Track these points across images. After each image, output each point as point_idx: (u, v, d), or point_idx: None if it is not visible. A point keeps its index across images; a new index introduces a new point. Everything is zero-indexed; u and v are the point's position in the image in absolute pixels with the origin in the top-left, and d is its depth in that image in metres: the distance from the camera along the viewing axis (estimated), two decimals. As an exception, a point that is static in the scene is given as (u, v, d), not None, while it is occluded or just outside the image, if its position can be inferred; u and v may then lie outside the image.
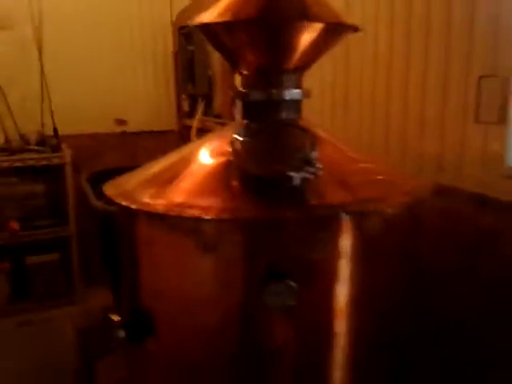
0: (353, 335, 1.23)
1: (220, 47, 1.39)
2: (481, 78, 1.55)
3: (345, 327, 1.21)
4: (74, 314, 3.45)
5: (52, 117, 3.58)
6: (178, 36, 4.09)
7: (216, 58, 3.59)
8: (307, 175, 1.16)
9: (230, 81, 3.43)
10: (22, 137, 3.61)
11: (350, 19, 1.33)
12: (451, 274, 1.68)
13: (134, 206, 1.25)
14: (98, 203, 2.32)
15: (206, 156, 1.33)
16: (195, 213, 1.14)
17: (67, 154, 3.55)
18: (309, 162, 1.17)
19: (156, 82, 4.22)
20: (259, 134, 1.30)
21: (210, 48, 3.68)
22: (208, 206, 1.14)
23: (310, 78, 1.45)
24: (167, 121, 4.32)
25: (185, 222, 1.17)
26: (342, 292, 1.20)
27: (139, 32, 4.04)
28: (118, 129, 4.16)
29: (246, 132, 1.30)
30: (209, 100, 3.82)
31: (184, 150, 1.44)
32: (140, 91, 4.17)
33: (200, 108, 3.78)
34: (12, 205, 3.58)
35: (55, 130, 3.60)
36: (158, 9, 4.05)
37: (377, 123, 2.01)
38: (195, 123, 3.70)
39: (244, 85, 1.39)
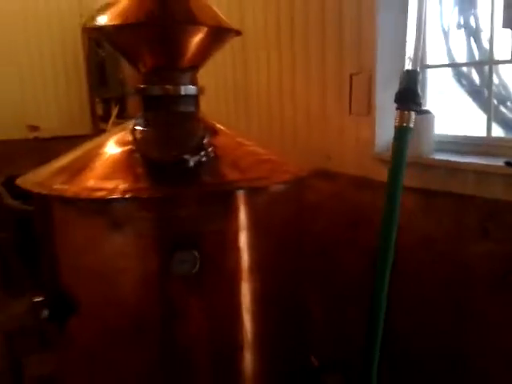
0: (252, 291, 1.43)
1: (117, 48, 1.55)
2: (351, 75, 1.82)
3: (246, 283, 1.41)
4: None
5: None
6: (88, 40, 4.15)
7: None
8: (202, 158, 1.35)
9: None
10: None
11: (242, 26, 1.53)
12: (337, 244, 1.94)
13: (45, 192, 1.37)
14: (14, 203, 2.37)
15: (112, 146, 1.48)
16: (102, 194, 1.29)
17: (-23, 160, 3.50)
18: (202, 147, 1.36)
19: (68, 86, 4.24)
20: (157, 124, 1.47)
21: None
22: (114, 188, 1.29)
23: (214, 79, 1.63)
24: (81, 125, 4.35)
25: (93, 204, 1.32)
26: (241, 256, 1.40)
27: (48, 36, 4.04)
28: (31, 135, 4.13)
29: (145, 122, 1.47)
30: (122, 103, 3.92)
31: (91, 143, 1.59)
32: (51, 96, 4.18)
33: (114, 111, 3.87)
34: None
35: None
36: (67, 11, 4.07)
37: (273, 119, 2.25)
38: (109, 127, 3.77)
39: (143, 81, 1.56)
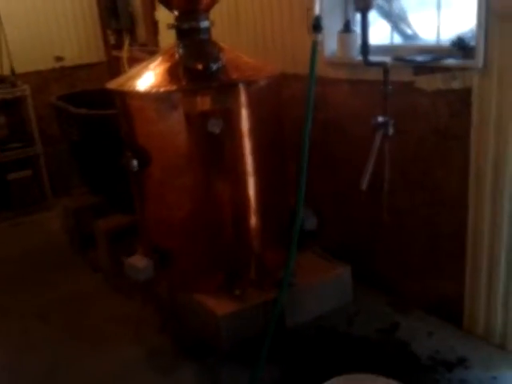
0: (252, 145, 2.48)
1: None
2: (308, 9, 2.76)
3: (247, 140, 2.46)
4: (51, 215, 4.48)
5: (9, 57, 4.40)
6: (97, -20, 4.93)
7: (135, -2, 4.53)
8: (219, 65, 2.34)
9: (150, 16, 4.40)
10: (-19, 77, 4.41)
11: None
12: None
13: (127, 90, 2.38)
14: (80, 110, 3.32)
15: (163, 60, 2.46)
16: (163, 90, 2.29)
17: (26, 87, 4.42)
18: (218, 58, 2.34)
19: (84, 22, 5.07)
20: (189, 47, 2.44)
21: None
22: (169, 86, 2.29)
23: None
24: (97, 54, 5.21)
25: (158, 95, 2.32)
26: (245, 122, 2.43)
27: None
28: (58, 64, 5.01)
29: (181, 46, 2.44)
30: (132, 33, 4.78)
31: (149, 60, 2.56)
32: (72, 31, 5.02)
33: (126, 40, 4.73)
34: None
35: (12, 69, 4.43)
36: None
37: (257, 37, 3.20)
38: (125, 53, 4.66)
39: (175, 20, 2.50)
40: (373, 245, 2.85)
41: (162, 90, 2.31)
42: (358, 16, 2.37)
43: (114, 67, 5.02)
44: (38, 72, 4.87)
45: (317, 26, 1.89)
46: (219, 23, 2.64)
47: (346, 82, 2.74)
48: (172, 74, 2.39)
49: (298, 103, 2.82)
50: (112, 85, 2.52)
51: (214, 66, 2.31)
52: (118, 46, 4.90)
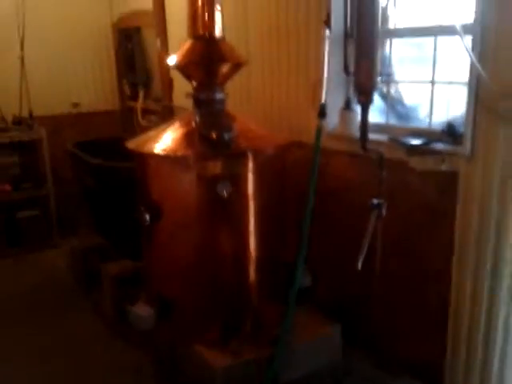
0: (256, 206, 2.69)
1: (182, 72, 2.75)
2: (314, 84, 3.04)
3: (252, 202, 2.67)
4: (57, 254, 4.65)
5: (29, 102, 4.67)
6: (117, 36, 5.27)
7: (153, 55, 4.84)
8: (231, 135, 2.57)
9: (166, 73, 4.70)
10: (3, 118, 4.67)
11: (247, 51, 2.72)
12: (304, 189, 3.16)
13: (147, 152, 2.60)
14: (97, 161, 3.54)
15: (180, 126, 2.70)
16: (179, 153, 2.52)
17: (43, 130, 4.67)
18: (231, 128, 2.58)
19: (101, 71, 5.39)
20: (205, 116, 2.69)
21: (147, 46, 4.95)
22: (185, 150, 2.52)
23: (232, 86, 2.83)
24: (112, 103, 5.51)
25: (175, 158, 2.55)
26: (251, 186, 2.65)
27: (88, 33, 5.19)
28: (74, 110, 5.29)
29: (199, 114, 2.68)
30: (147, 86, 5.08)
31: (168, 124, 2.80)
32: (89, 79, 5.33)
33: (141, 93, 5.03)
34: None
35: (31, 112, 4.69)
36: (101, 14, 5.21)
37: (266, 108, 3.47)
38: (139, 105, 4.95)
39: (195, 90, 2.76)
40: (363, 307, 3.02)
41: (178, 154, 2.54)
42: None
43: (128, 116, 5.30)
44: (55, 116, 5.14)
45: (322, 113, 2.13)
46: (232, 94, 2.90)
47: (346, 154, 2.97)
48: (188, 139, 2.62)
49: (300, 168, 3.06)
50: (132, 145, 2.75)
51: (227, 136, 2.55)
52: (133, 97, 5.19)
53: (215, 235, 2.67)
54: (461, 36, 2.10)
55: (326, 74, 2.32)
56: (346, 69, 2.42)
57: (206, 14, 2.64)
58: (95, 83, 5.37)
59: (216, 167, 2.57)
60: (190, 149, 2.56)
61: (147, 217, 2.65)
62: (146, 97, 5.02)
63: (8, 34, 4.64)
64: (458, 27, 2.10)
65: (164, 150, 2.59)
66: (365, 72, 1.86)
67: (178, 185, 2.61)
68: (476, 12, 2.20)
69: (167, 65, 2.77)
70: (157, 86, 4.95)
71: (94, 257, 3.95)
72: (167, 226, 2.68)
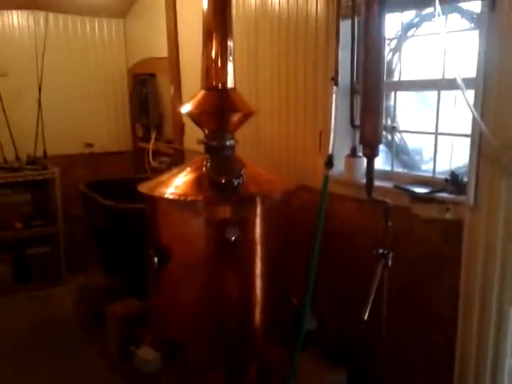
0: (263, 251, 2.73)
1: (195, 120, 2.85)
2: (320, 131, 3.13)
3: (259, 247, 2.72)
4: (64, 291, 4.69)
5: (44, 142, 4.81)
6: (132, 81, 5.47)
7: (166, 99, 5.01)
8: (240, 181, 2.65)
9: (178, 117, 4.85)
10: (17, 158, 4.80)
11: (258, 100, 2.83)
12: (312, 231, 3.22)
13: (158, 195, 2.68)
14: (108, 202, 3.63)
15: (192, 171, 2.78)
16: (190, 198, 2.59)
17: (56, 170, 4.79)
18: (240, 175, 2.66)
19: (116, 114, 5.57)
20: (215, 161, 2.77)
21: (161, 91, 5.13)
22: (195, 195, 2.59)
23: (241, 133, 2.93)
24: (125, 144, 5.66)
25: (185, 203, 2.62)
26: (258, 230, 2.70)
27: (103, 77, 5.38)
28: (87, 150, 5.43)
29: (210, 160, 2.77)
30: (159, 129, 5.23)
31: (179, 168, 2.89)
32: (103, 121, 5.50)
33: (153, 135, 5.17)
34: (12, 210, 4.75)
35: (45, 152, 4.83)
36: (117, 60, 5.42)
37: (274, 153, 3.57)
38: (151, 146, 5.08)
39: (206, 137, 2.86)
40: (369, 352, 3.01)
41: (188, 198, 2.61)
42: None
43: (139, 157, 5.43)
44: (68, 156, 5.29)
45: (329, 163, 2.20)
46: (242, 139, 2.99)
47: (351, 200, 3.04)
48: (198, 184, 2.70)
49: (306, 212, 3.12)
50: (143, 188, 2.83)
51: (236, 182, 2.62)
52: (145, 138, 5.34)
53: (222, 279, 2.71)
54: (463, 90, 2.19)
55: (333, 125, 2.39)
56: (352, 122, 2.51)
57: (220, 65, 2.77)
58: (109, 125, 5.54)
59: (225, 212, 2.63)
60: (200, 194, 2.63)
61: (156, 259, 2.70)
62: (157, 139, 5.16)
63: (27, 77, 4.85)
64: (460, 82, 2.18)
65: (174, 194, 2.66)
66: (370, 127, 1.94)
67: (187, 229, 2.67)
68: (478, 67, 2.30)
69: (180, 112, 2.87)
70: (169, 129, 5.10)
71: (101, 296, 3.98)
72: (175, 269, 2.72)
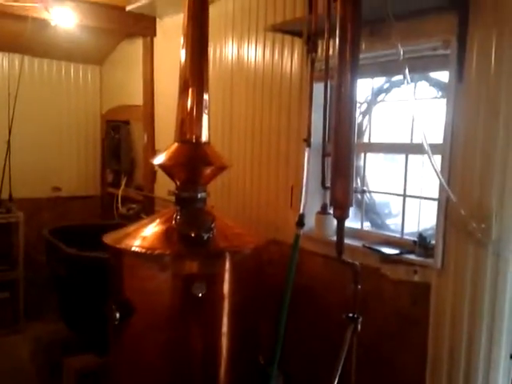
0: (230, 307, 2.67)
1: (166, 171, 2.83)
2: (292, 186, 3.16)
3: (226, 303, 2.65)
4: (21, 340, 4.45)
5: (10, 184, 4.68)
6: (105, 126, 5.45)
7: (139, 146, 5.00)
8: (210, 235, 2.62)
9: (150, 164, 4.82)
10: (-20, 201, 4.65)
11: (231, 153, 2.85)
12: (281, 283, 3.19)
13: (123, 248, 2.61)
14: (71, 250, 3.51)
15: (160, 223, 2.74)
16: (156, 252, 2.54)
17: (21, 214, 4.65)
18: (210, 229, 2.63)
19: (86, 159, 5.51)
20: (185, 214, 2.74)
21: (134, 138, 5.11)
22: (162, 249, 2.54)
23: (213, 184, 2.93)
24: (93, 188, 5.57)
25: (150, 256, 2.56)
26: (226, 286, 2.64)
27: (75, 122, 5.35)
28: (54, 194, 5.32)
29: (179, 212, 2.74)
30: (130, 175, 5.18)
31: (147, 219, 2.84)
32: (73, 166, 5.42)
33: (124, 180, 5.12)
34: (-30, 254, 4.55)
35: (10, 195, 4.69)
36: (91, 105, 5.42)
37: (246, 206, 3.57)
38: (120, 192, 5.02)
39: (178, 188, 2.83)
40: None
41: (155, 252, 2.55)
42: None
43: (107, 203, 5.35)
44: (34, 199, 5.15)
45: (300, 222, 2.20)
46: (213, 191, 2.98)
47: (321, 256, 3.03)
48: (167, 237, 2.65)
49: (276, 265, 3.10)
50: (108, 239, 2.75)
51: (206, 236, 2.59)
52: (115, 184, 5.28)
53: (187, 337, 2.61)
54: (429, 156, 2.24)
55: (304, 185, 2.42)
56: (323, 183, 2.54)
57: (194, 118, 2.78)
58: (78, 169, 5.47)
59: (193, 267, 2.58)
60: (168, 247, 2.58)
61: (117, 315, 2.60)
62: (127, 185, 5.10)
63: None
64: (427, 148, 2.24)
65: (141, 246, 2.59)
66: (341, 189, 1.96)
67: (152, 283, 2.59)
68: (445, 134, 2.38)
69: (152, 164, 2.85)
70: (139, 176, 5.06)
71: (59, 348, 3.81)
72: (137, 325, 2.62)
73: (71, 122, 5.37)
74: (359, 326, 2.02)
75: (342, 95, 1.96)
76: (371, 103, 2.91)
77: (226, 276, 2.66)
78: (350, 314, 2.04)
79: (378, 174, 3.08)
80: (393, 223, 3.22)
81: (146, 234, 2.69)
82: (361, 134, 2.93)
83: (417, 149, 2.57)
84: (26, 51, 4.86)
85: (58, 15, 4.09)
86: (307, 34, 2.60)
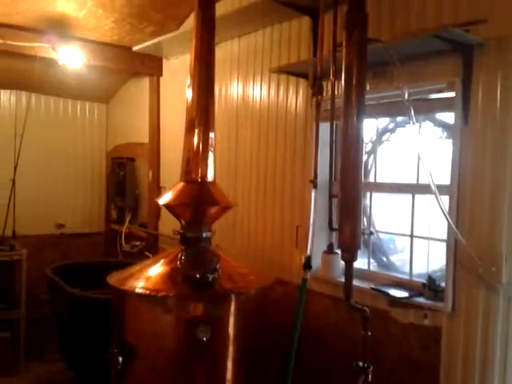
0: (235, 350, 2.60)
1: (172, 211, 2.82)
2: (298, 226, 3.13)
3: (231, 346, 2.59)
4: (20, 382, 4.34)
5: (14, 222, 4.67)
6: (111, 163, 5.48)
7: (144, 183, 5.00)
8: (215, 276, 2.57)
9: (155, 201, 4.82)
10: (-16, 238, 4.62)
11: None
12: (288, 324, 3.11)
13: (127, 289, 2.57)
14: (73, 290, 3.47)
15: (165, 264, 2.70)
16: (160, 294, 2.49)
17: (24, 252, 4.61)
18: (215, 269, 2.59)
19: (91, 196, 5.52)
20: (190, 254, 2.71)
21: (139, 175, 5.12)
22: (166, 290, 2.50)
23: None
24: (97, 225, 5.55)
25: (154, 298, 2.51)
26: (231, 329, 2.59)
27: (82, 159, 5.39)
28: (58, 231, 5.30)
29: (184, 253, 2.70)
30: (134, 212, 5.17)
31: (152, 260, 2.80)
32: (78, 203, 5.42)
33: (128, 217, 5.10)
34: (-29, 292, 4.49)
35: (14, 232, 4.67)
36: (97, 143, 5.46)
37: (251, 243, 3.53)
38: (124, 229, 4.99)
39: (183, 228, 2.81)
40: None
41: (159, 294, 2.51)
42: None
43: (111, 239, 5.31)
44: (38, 236, 5.12)
45: (307, 265, 2.17)
46: (218, 230, 2.96)
47: (327, 297, 2.98)
48: (171, 278, 2.61)
49: (281, 306, 3.05)
50: (112, 280, 2.72)
51: (211, 277, 2.54)
52: (119, 220, 5.25)
53: (189, 381, 2.55)
54: (437, 196, 2.22)
55: (311, 227, 2.39)
56: (330, 225, 2.52)
57: (200, 157, 2.78)
58: (83, 205, 5.47)
59: (197, 309, 2.53)
60: (172, 289, 2.53)
61: (120, 359, 2.53)
62: (131, 222, 5.08)
63: (3, 155, 4.79)
64: (434, 188, 2.22)
65: (145, 288, 2.55)
66: (349, 232, 1.94)
67: (156, 326, 2.53)
68: (452, 175, 2.36)
69: (157, 204, 2.84)
70: (144, 212, 5.04)
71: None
72: (140, 369, 2.55)
73: (77, 159, 5.40)
74: (370, 376, 1.95)
75: (349, 138, 1.96)
76: (376, 143, 2.91)
77: (231, 319, 2.61)
78: (360, 363, 1.98)
79: (385, 212, 3.06)
80: (398, 259, 3.18)
81: (150, 275, 2.66)
82: (366, 173, 2.92)
83: (423, 189, 2.55)
84: (33, 89, 4.93)
85: (65, 55, 4.17)
86: (312, 75, 2.62)
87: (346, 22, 1.95)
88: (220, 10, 2.93)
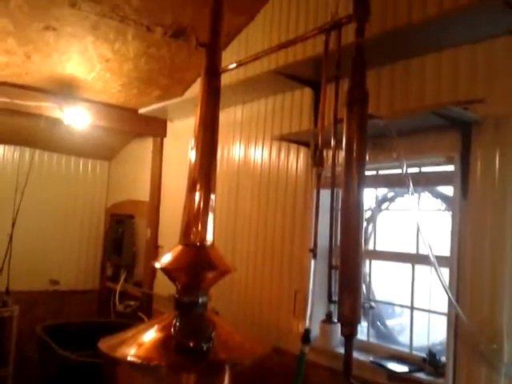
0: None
1: (167, 275, 2.78)
2: (296, 292, 3.09)
3: (224, 421, 2.48)
4: None
5: (8, 277, 4.60)
6: (110, 219, 5.48)
7: (142, 241, 4.97)
8: (210, 345, 2.51)
9: (151, 259, 4.78)
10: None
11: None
12: None
13: (118, 356, 2.48)
14: (64, 353, 3.36)
15: (158, 331, 2.63)
16: (153, 363, 2.42)
17: (16, 309, 4.52)
18: (210, 339, 2.52)
19: (87, 252, 5.48)
20: (185, 322, 2.64)
21: (137, 232, 5.11)
22: (159, 359, 2.42)
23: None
24: (92, 283, 5.47)
25: (146, 366, 2.43)
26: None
27: (81, 216, 5.39)
28: (51, 287, 5.22)
29: (180, 319, 2.64)
30: (130, 270, 5.11)
31: (145, 325, 2.74)
32: (73, 259, 5.37)
33: (123, 275, 5.04)
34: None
35: (7, 288, 4.59)
36: (97, 199, 5.48)
37: (247, 308, 3.47)
38: (119, 288, 4.91)
39: (178, 292, 2.76)
40: None
41: (151, 363, 2.43)
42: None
43: (105, 297, 5.22)
44: (31, 292, 5.04)
45: (306, 338, 2.12)
46: (214, 291, 2.90)
47: (325, 369, 2.88)
48: (164, 346, 2.53)
49: (277, 377, 2.95)
50: (104, 346, 2.63)
51: (205, 346, 2.47)
52: (114, 278, 5.19)
53: None
54: (436, 269, 2.20)
55: (310, 298, 2.36)
56: (329, 297, 2.48)
57: (200, 219, 2.78)
58: (79, 262, 5.42)
59: (190, 380, 2.45)
60: (165, 358, 2.46)
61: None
62: (127, 280, 5.01)
63: (2, 209, 4.79)
64: (433, 259, 2.20)
65: (137, 355, 2.47)
66: (349, 305, 1.90)
67: (148, 395, 2.45)
68: (451, 247, 2.36)
69: (154, 266, 2.81)
70: (140, 271, 4.99)
71: None
72: None
73: (76, 215, 5.40)
74: None
75: (349, 210, 1.96)
76: (375, 211, 2.92)
77: (226, 389, 2.52)
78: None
79: (384, 279, 3.02)
80: (397, 323, 3.11)
81: (143, 341, 2.58)
82: (366, 239, 2.91)
83: (423, 259, 2.53)
84: (36, 145, 5.01)
85: (71, 115, 4.27)
86: (313, 145, 2.66)
87: (347, 98, 2.00)
88: (225, 79, 3.03)
